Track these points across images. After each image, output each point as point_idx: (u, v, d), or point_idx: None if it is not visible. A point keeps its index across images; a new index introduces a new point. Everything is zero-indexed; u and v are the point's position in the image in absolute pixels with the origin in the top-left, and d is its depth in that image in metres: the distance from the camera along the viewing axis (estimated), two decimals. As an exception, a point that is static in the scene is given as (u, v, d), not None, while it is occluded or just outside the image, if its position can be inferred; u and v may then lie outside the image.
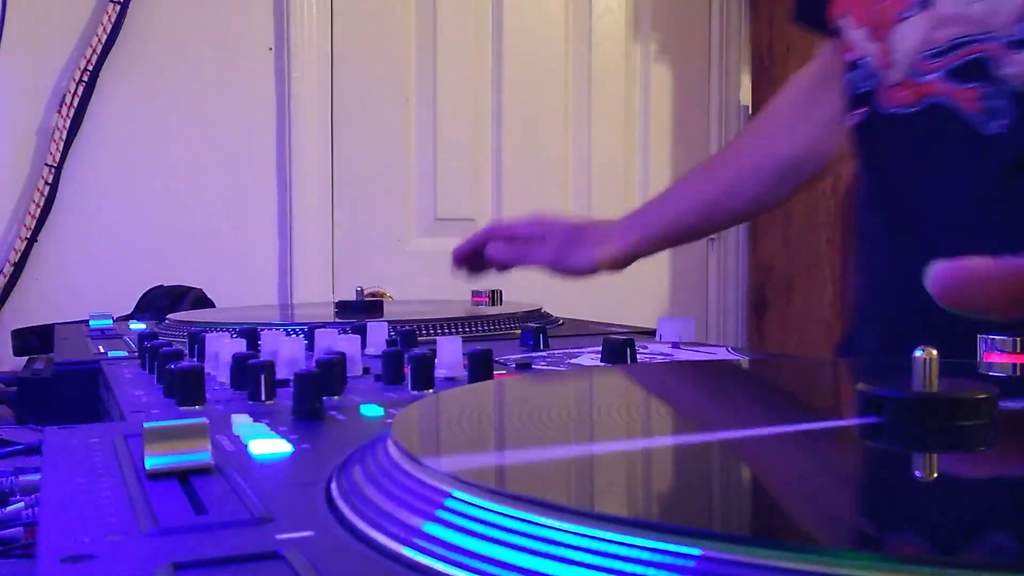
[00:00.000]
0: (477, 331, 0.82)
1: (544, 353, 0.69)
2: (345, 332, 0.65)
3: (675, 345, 0.69)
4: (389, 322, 0.73)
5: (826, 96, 0.82)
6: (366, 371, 0.58)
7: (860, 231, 0.80)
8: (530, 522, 0.23)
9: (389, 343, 0.68)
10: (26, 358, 1.09)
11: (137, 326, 0.93)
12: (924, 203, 0.69)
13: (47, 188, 1.64)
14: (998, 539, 0.23)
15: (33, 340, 1.27)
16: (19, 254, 1.63)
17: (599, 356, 0.64)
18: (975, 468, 0.31)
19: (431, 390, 0.51)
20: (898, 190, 0.72)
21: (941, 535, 0.23)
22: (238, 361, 0.52)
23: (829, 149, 0.85)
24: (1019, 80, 0.61)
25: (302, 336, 0.64)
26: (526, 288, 1.17)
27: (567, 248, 0.89)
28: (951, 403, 0.32)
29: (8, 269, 1.62)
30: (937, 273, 0.44)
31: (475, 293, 1.03)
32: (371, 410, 0.44)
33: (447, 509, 0.25)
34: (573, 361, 0.64)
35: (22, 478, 0.45)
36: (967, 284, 0.44)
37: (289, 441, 0.37)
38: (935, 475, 0.30)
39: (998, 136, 0.62)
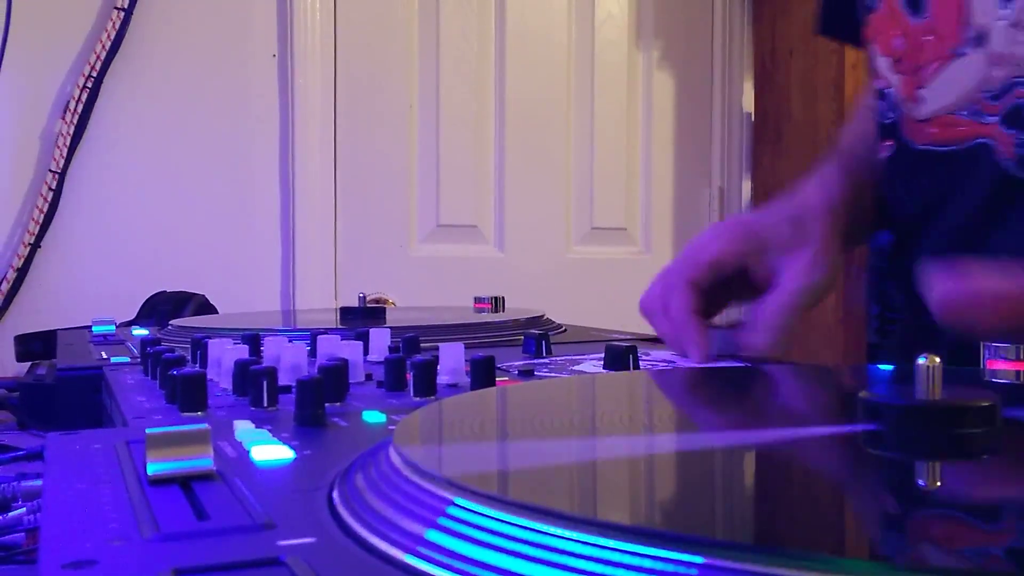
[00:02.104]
0: (479, 338, 0.82)
1: (546, 360, 0.69)
2: (347, 338, 0.65)
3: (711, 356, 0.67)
4: (391, 328, 0.73)
5: None
6: (368, 377, 0.58)
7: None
8: (533, 530, 0.23)
9: (391, 349, 0.68)
10: (29, 363, 1.09)
11: (140, 332, 0.93)
12: (955, 244, 0.65)
13: (51, 194, 1.64)
14: (1002, 549, 0.23)
15: (36, 345, 1.28)
16: (23, 259, 1.63)
17: (602, 363, 0.64)
18: (978, 477, 0.31)
19: (433, 397, 0.51)
20: (927, 230, 0.68)
21: (944, 544, 0.23)
22: (240, 367, 0.52)
23: None
24: None
25: (304, 342, 0.64)
26: (528, 294, 1.17)
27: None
28: (954, 411, 0.32)
29: (11, 275, 1.62)
30: (940, 292, 0.43)
31: (477, 300, 1.03)
32: (373, 416, 0.44)
33: (449, 516, 0.25)
34: (576, 368, 0.64)
35: (24, 483, 0.45)
36: (972, 308, 0.43)
37: (291, 447, 0.37)
38: (938, 484, 0.30)
39: None
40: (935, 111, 0.65)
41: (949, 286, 0.42)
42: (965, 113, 0.63)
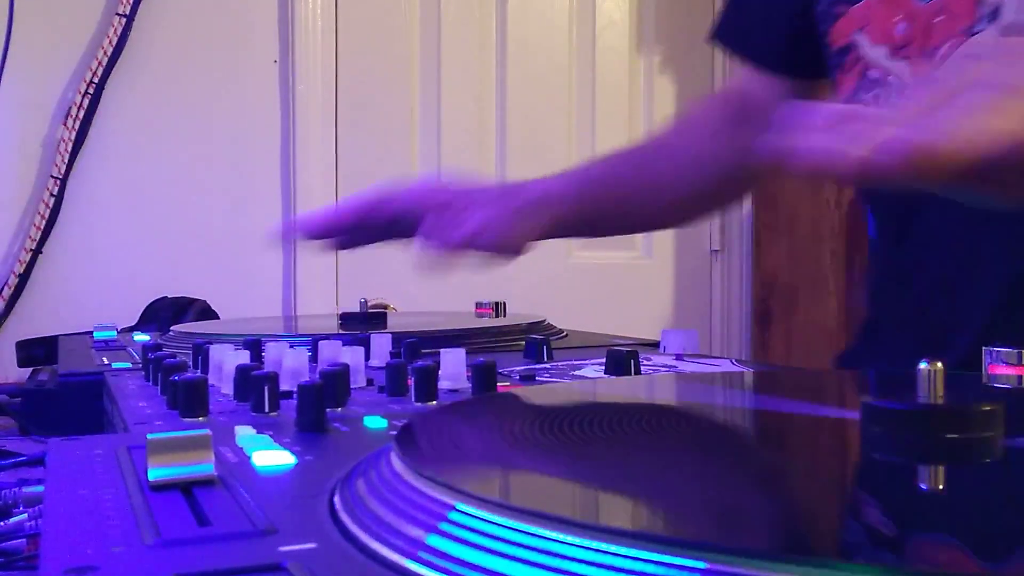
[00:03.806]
0: (481, 343, 0.82)
1: (548, 365, 0.69)
2: (349, 344, 0.65)
3: (679, 357, 0.69)
4: (393, 334, 0.73)
5: (744, 129, 0.79)
6: (370, 383, 0.58)
7: (872, 250, 0.77)
8: (534, 535, 0.23)
9: (393, 355, 0.68)
10: (30, 369, 1.10)
11: (141, 337, 0.93)
12: (975, 233, 0.64)
13: (52, 200, 1.64)
14: (1006, 552, 0.23)
15: (37, 351, 1.28)
16: (24, 265, 1.63)
17: (603, 368, 0.64)
18: (982, 481, 0.31)
19: (435, 402, 0.51)
20: (937, 223, 0.67)
21: (948, 548, 0.23)
22: (242, 372, 0.52)
23: (740, 187, 0.84)
24: None
25: (306, 348, 0.64)
26: (529, 300, 1.17)
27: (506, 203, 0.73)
28: (957, 415, 0.32)
29: (13, 280, 1.63)
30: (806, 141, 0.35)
31: (478, 305, 1.03)
32: (374, 422, 0.44)
33: (451, 522, 0.25)
34: (577, 373, 0.64)
35: (25, 490, 0.45)
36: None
37: (292, 453, 0.37)
38: (942, 488, 0.30)
39: None
40: None
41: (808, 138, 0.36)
42: None
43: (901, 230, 0.71)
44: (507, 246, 0.71)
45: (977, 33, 0.61)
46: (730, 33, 0.85)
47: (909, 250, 0.71)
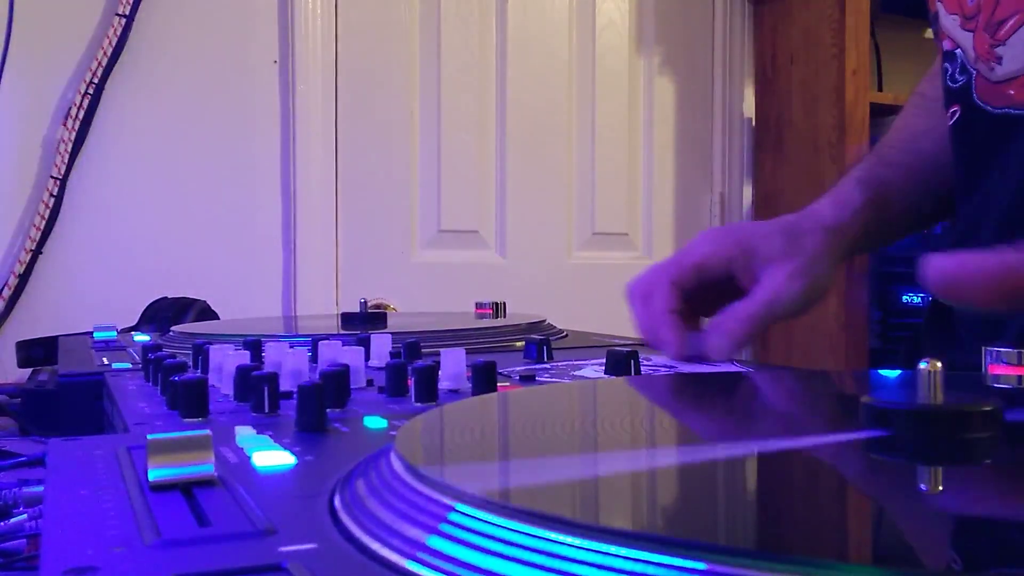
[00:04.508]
0: (481, 343, 0.82)
1: (548, 365, 0.69)
2: (349, 344, 0.65)
3: (699, 360, 0.67)
4: (393, 334, 0.73)
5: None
6: (370, 383, 0.58)
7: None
8: (535, 536, 0.23)
9: (393, 355, 0.68)
10: (30, 370, 1.09)
11: (141, 338, 0.93)
12: None
13: (52, 200, 1.64)
14: (1008, 554, 0.23)
15: (37, 352, 1.28)
16: (24, 266, 1.63)
17: (603, 368, 0.64)
18: (981, 481, 0.31)
19: (435, 402, 0.51)
20: (1008, 200, 0.64)
21: (949, 549, 0.23)
22: (242, 373, 0.52)
23: None
24: None
25: (306, 348, 0.64)
26: (529, 300, 1.17)
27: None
28: (956, 415, 0.32)
29: (13, 281, 1.62)
30: (932, 266, 0.45)
31: (479, 305, 1.03)
32: (375, 422, 0.44)
33: (451, 523, 0.25)
34: (577, 373, 0.64)
35: (25, 490, 0.45)
36: (961, 278, 0.44)
37: (292, 453, 0.37)
38: (941, 488, 0.30)
39: None
40: (1015, 71, 0.60)
41: (941, 262, 0.45)
42: None
43: (985, 208, 0.68)
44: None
45: None
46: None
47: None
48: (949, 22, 0.65)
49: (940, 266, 0.44)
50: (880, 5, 0.84)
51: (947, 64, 0.66)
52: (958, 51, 0.65)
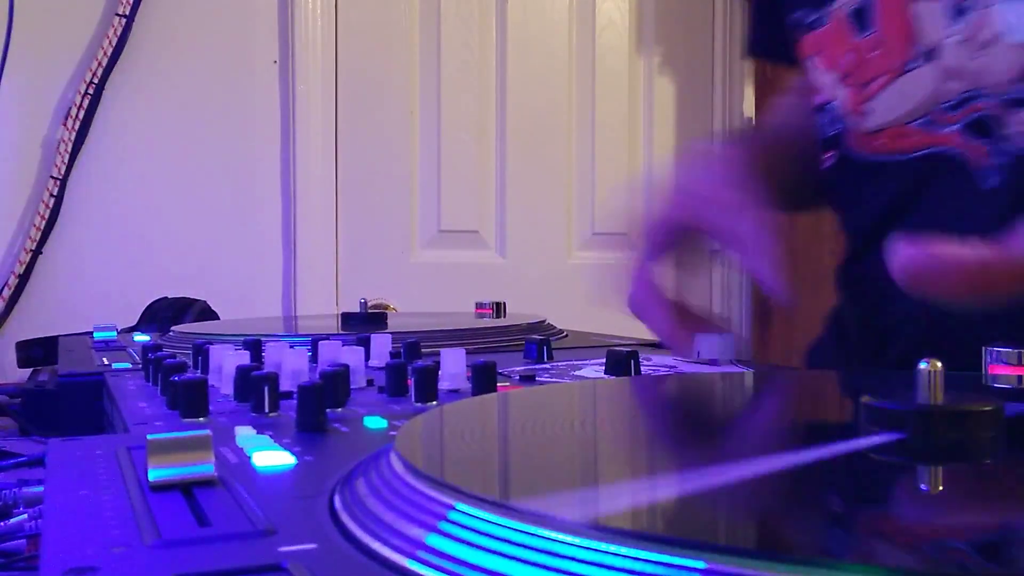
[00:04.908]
0: (481, 343, 0.82)
1: (548, 365, 0.69)
2: (349, 344, 0.65)
3: (714, 362, 0.67)
4: (393, 334, 0.73)
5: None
6: (370, 383, 0.58)
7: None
8: (534, 535, 0.23)
9: (393, 355, 0.68)
10: (30, 370, 1.09)
11: (141, 338, 0.93)
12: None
13: (52, 200, 1.64)
14: (1009, 554, 0.23)
15: (37, 352, 1.28)
16: (24, 266, 1.63)
17: (603, 368, 0.64)
18: (983, 482, 0.31)
19: (435, 402, 0.51)
20: (877, 236, 0.69)
21: (949, 550, 0.23)
22: (242, 373, 0.52)
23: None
24: (1021, 139, 0.61)
25: (306, 348, 0.64)
26: (529, 300, 1.17)
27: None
28: (959, 415, 0.32)
29: (13, 281, 1.63)
30: (901, 258, 0.46)
31: (479, 305, 1.03)
32: (375, 422, 0.44)
33: (451, 521, 0.25)
34: (577, 373, 0.64)
35: (25, 490, 0.45)
36: (930, 272, 0.45)
37: (292, 453, 0.37)
38: (942, 488, 0.30)
39: (997, 190, 0.62)
40: (884, 123, 0.67)
41: (910, 252, 0.45)
42: (917, 124, 0.65)
43: (867, 244, 0.73)
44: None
45: (911, 71, 0.64)
46: (759, 46, 0.89)
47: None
48: (826, 78, 0.71)
49: (911, 255, 0.45)
50: (745, 49, 0.88)
51: (822, 114, 0.72)
52: (834, 103, 0.71)
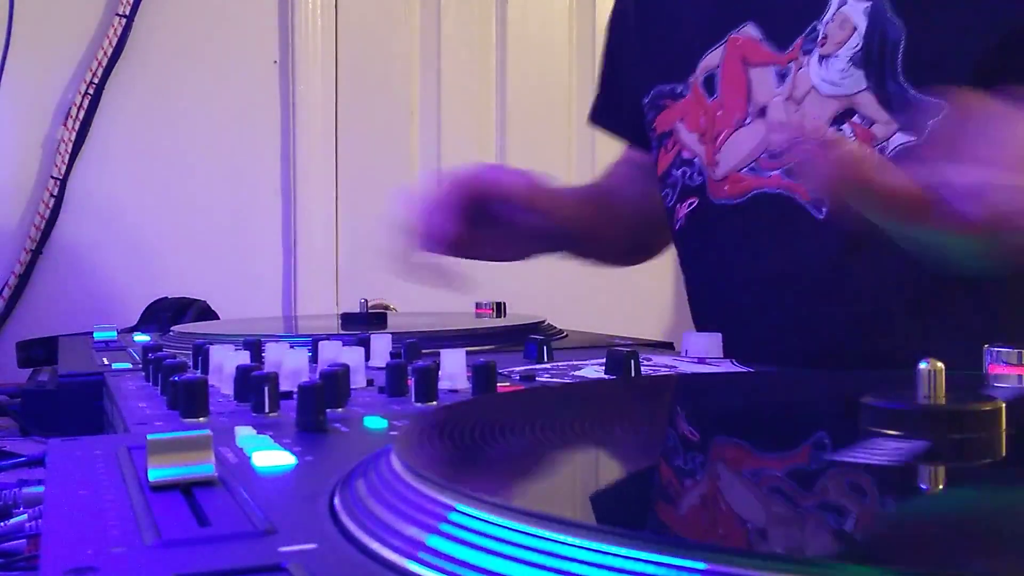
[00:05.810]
0: (481, 343, 0.82)
1: (548, 365, 0.69)
2: (349, 344, 0.65)
3: (701, 361, 0.68)
4: (393, 334, 0.73)
5: (652, 183, 0.91)
6: (370, 383, 0.58)
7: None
8: (534, 535, 0.23)
9: (393, 355, 0.68)
10: (30, 370, 1.09)
11: (141, 338, 0.93)
12: (757, 281, 0.78)
13: (52, 200, 1.64)
14: (1009, 555, 0.23)
15: (37, 352, 1.28)
16: (24, 266, 1.63)
17: (603, 368, 0.64)
18: (984, 481, 0.31)
19: (435, 402, 0.51)
20: (728, 273, 0.81)
21: (950, 550, 0.23)
22: (242, 373, 0.52)
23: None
24: None
25: (306, 348, 0.64)
26: (529, 300, 1.17)
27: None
28: (960, 416, 0.32)
29: (13, 281, 1.62)
30: (800, 148, 0.53)
31: (479, 305, 1.03)
32: (375, 422, 0.44)
33: (450, 522, 0.25)
34: (577, 373, 0.64)
35: (25, 490, 0.45)
36: (808, 159, 0.51)
37: (292, 453, 0.37)
38: (943, 488, 0.30)
39: (827, 220, 0.71)
40: (727, 171, 0.79)
41: (810, 145, 0.53)
42: (747, 170, 0.77)
43: (713, 280, 0.86)
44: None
45: (746, 125, 0.77)
46: (602, 115, 1.02)
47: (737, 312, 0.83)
48: (689, 137, 0.83)
49: (807, 148, 0.52)
50: (589, 116, 0.99)
51: (685, 168, 0.84)
52: (696, 159, 0.83)
